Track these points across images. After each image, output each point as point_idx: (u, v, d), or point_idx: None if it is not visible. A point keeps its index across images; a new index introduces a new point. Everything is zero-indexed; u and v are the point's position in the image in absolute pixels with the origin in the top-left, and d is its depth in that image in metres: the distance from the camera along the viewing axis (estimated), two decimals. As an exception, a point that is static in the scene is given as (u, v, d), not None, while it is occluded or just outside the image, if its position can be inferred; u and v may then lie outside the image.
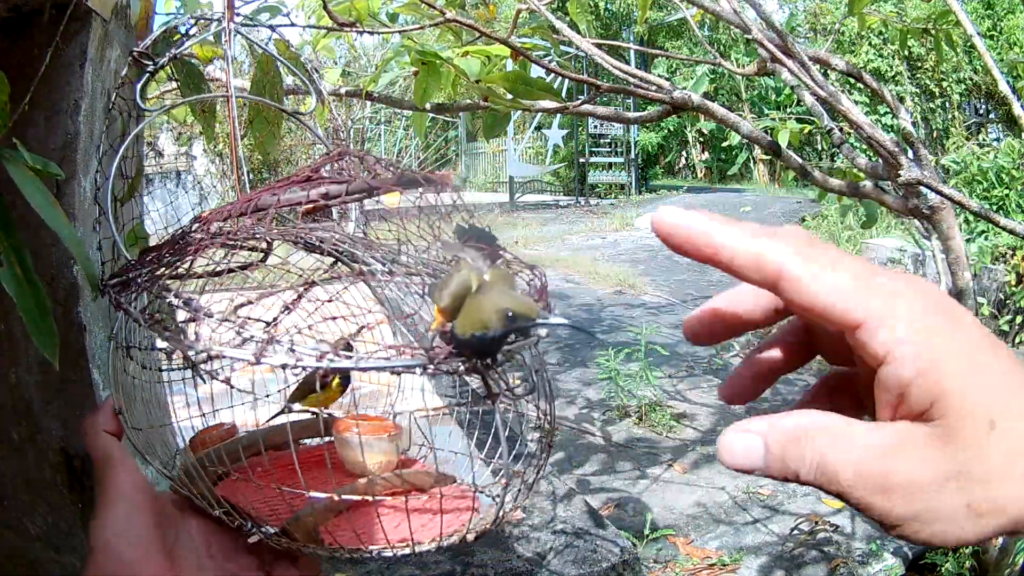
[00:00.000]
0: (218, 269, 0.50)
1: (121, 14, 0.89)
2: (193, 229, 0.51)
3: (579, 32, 1.31)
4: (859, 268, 0.29)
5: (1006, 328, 4.35)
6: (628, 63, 6.15)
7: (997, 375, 0.27)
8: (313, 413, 0.59)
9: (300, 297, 0.48)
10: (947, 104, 11.75)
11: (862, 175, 1.38)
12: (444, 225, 0.48)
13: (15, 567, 0.90)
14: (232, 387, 0.43)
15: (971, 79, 11.48)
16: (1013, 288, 4.44)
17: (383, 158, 0.51)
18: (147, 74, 0.65)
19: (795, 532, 2.43)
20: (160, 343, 0.44)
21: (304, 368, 0.39)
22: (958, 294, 1.34)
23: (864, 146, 1.26)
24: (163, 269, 0.48)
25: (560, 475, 2.65)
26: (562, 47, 1.64)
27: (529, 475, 0.48)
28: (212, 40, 0.95)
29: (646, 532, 2.39)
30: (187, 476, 0.46)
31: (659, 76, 1.57)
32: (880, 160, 1.25)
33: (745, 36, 1.18)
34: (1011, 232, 1.20)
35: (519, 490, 0.47)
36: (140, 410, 0.51)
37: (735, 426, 0.30)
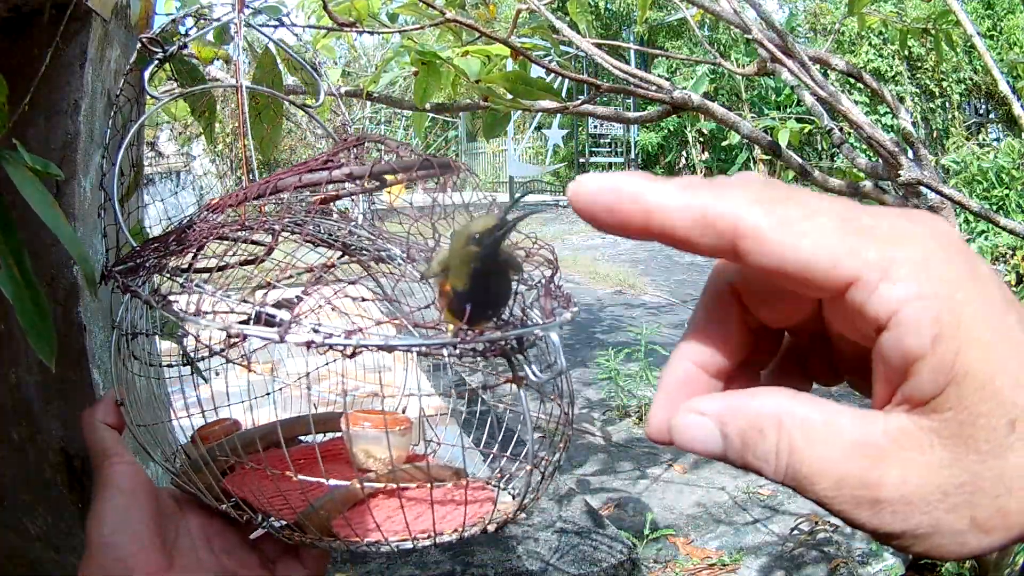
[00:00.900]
0: (221, 265, 0.49)
1: (121, 14, 0.89)
2: (202, 217, 0.50)
3: (579, 32, 1.31)
4: (841, 209, 0.22)
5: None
6: (628, 63, 6.15)
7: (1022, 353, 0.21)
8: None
9: (319, 279, 0.47)
10: (947, 104, 11.74)
11: (862, 175, 1.38)
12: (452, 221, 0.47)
13: (15, 567, 0.90)
14: (250, 370, 0.41)
15: (971, 79, 11.47)
16: (1013, 288, 4.44)
17: (403, 143, 0.50)
18: (155, 61, 0.65)
19: (795, 532, 2.43)
20: (158, 335, 0.44)
21: (330, 347, 0.37)
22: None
23: (864, 146, 1.26)
24: (170, 256, 0.46)
25: (560, 475, 2.65)
26: (562, 47, 1.64)
27: (548, 467, 0.47)
28: (212, 40, 0.96)
29: (646, 532, 2.39)
30: (193, 469, 0.45)
31: (659, 76, 1.57)
32: (880, 160, 1.25)
33: (745, 36, 1.18)
34: (1011, 232, 1.20)
35: (541, 480, 0.46)
36: (143, 400, 0.50)
37: (688, 404, 0.25)
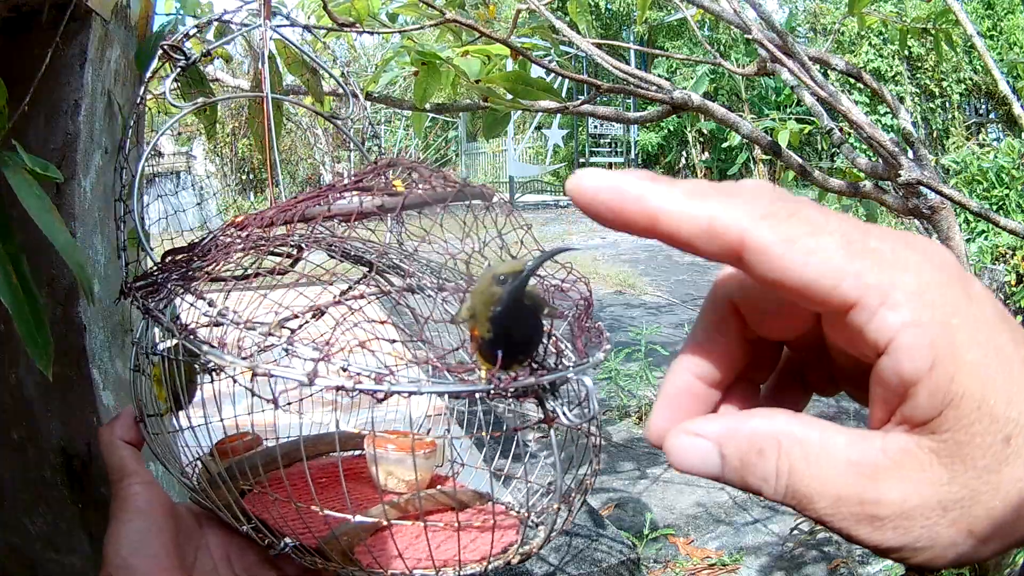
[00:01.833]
0: (246, 273, 0.48)
1: (121, 14, 0.89)
2: (227, 232, 0.49)
3: (579, 32, 1.31)
4: (847, 229, 0.22)
5: (1006, 328, 4.35)
6: (628, 63, 6.15)
7: (1018, 372, 0.22)
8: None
9: (339, 302, 0.46)
10: (947, 104, 11.75)
11: (862, 175, 1.38)
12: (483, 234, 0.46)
13: (15, 567, 0.90)
14: (277, 406, 0.39)
15: (971, 79, 11.48)
16: (1013, 288, 4.44)
17: (436, 169, 0.48)
18: (179, 69, 0.65)
19: (795, 532, 2.43)
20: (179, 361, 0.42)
21: (360, 392, 0.36)
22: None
23: (864, 146, 1.26)
24: (195, 273, 0.45)
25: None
26: (562, 47, 1.64)
27: (578, 498, 0.46)
28: (212, 39, 0.95)
29: (646, 532, 2.39)
30: (212, 486, 0.44)
31: (659, 76, 1.57)
32: (880, 160, 1.24)
33: (745, 36, 1.18)
34: (1011, 232, 1.20)
35: (570, 511, 0.46)
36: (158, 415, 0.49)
37: (684, 426, 0.25)
